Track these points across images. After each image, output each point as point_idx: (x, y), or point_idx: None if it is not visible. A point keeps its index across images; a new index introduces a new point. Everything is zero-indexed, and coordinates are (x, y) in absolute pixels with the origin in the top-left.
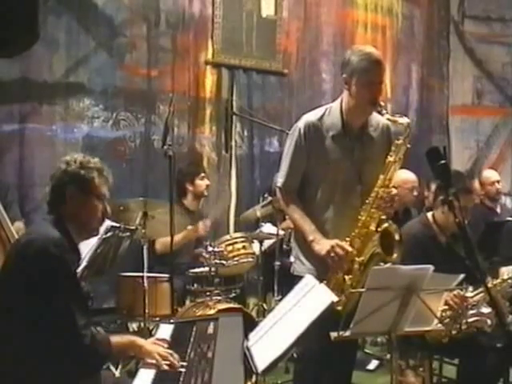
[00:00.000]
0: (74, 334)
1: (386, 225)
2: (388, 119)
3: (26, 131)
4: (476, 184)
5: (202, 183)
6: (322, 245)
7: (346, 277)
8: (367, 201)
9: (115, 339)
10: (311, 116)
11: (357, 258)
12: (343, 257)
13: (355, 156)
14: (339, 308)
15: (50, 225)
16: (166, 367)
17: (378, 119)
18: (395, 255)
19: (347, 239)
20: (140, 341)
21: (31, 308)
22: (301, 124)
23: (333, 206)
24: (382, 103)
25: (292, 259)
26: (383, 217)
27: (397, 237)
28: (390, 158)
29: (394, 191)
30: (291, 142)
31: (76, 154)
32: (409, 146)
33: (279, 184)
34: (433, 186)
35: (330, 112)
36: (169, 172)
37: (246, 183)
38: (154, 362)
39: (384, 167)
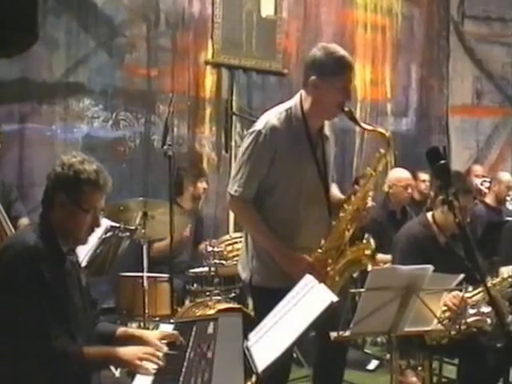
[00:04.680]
0: (44, 347)
1: (371, 241)
2: (367, 129)
3: (25, 131)
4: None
5: (201, 186)
6: (292, 268)
7: None
8: (342, 214)
9: (91, 351)
10: (272, 119)
11: (333, 267)
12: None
13: (318, 158)
14: None
15: (35, 227)
16: (152, 369)
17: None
18: (369, 265)
19: (319, 251)
20: (118, 352)
21: (3, 318)
22: (262, 128)
23: (299, 211)
24: (352, 109)
25: (252, 270)
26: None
27: (368, 251)
28: (370, 171)
29: (370, 203)
30: (252, 147)
31: (74, 156)
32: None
33: (237, 193)
34: (421, 176)
35: (291, 114)
36: (169, 172)
37: None
38: (139, 369)
39: (363, 179)
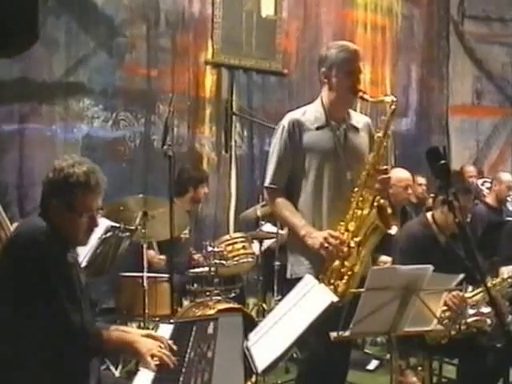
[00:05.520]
0: (64, 320)
1: (381, 201)
2: (372, 102)
3: (25, 131)
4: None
5: (202, 191)
6: (315, 238)
7: (346, 262)
8: (359, 181)
9: (109, 335)
10: (294, 113)
11: (354, 239)
12: (337, 246)
13: (342, 144)
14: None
15: (41, 219)
16: (155, 369)
17: (360, 117)
18: (394, 227)
19: (341, 223)
20: (135, 343)
21: (20, 295)
22: (284, 122)
23: (324, 198)
24: (362, 88)
25: (289, 264)
26: (377, 196)
27: (389, 210)
28: (379, 134)
29: (385, 167)
30: (276, 140)
31: (66, 160)
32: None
33: (266, 183)
34: (418, 179)
35: (312, 109)
36: (169, 172)
37: (245, 183)
38: (146, 365)
39: (374, 144)
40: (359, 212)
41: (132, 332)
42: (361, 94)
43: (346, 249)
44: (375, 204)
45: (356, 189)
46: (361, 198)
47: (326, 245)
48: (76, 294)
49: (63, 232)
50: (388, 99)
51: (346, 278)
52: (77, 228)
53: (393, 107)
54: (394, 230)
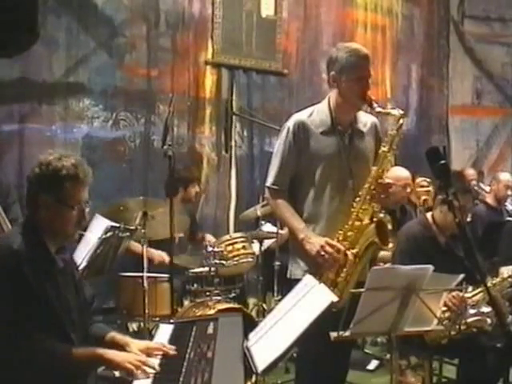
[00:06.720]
0: (27, 349)
1: (381, 215)
2: (379, 112)
3: (25, 131)
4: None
5: (193, 190)
6: (312, 244)
7: (340, 271)
8: (360, 192)
9: (79, 353)
10: (300, 115)
11: (351, 250)
12: (334, 255)
13: (346, 151)
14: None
15: (21, 229)
16: (140, 375)
17: (367, 117)
18: (391, 244)
19: (340, 232)
20: (108, 354)
21: None
22: (290, 123)
23: (326, 203)
24: (372, 97)
25: (289, 263)
26: (377, 209)
27: (390, 226)
28: (384, 149)
29: (388, 181)
30: (281, 141)
31: (50, 154)
32: (401, 136)
33: (268, 183)
34: (421, 182)
35: (318, 110)
36: (169, 172)
37: (245, 183)
38: (128, 371)
39: (377, 158)
40: (358, 223)
41: (128, 343)
42: (369, 102)
43: (342, 258)
44: (374, 219)
45: (358, 199)
46: (361, 210)
47: (323, 253)
48: (62, 308)
49: (52, 228)
50: (396, 112)
51: (339, 286)
52: (67, 221)
53: (400, 122)
54: (390, 247)
